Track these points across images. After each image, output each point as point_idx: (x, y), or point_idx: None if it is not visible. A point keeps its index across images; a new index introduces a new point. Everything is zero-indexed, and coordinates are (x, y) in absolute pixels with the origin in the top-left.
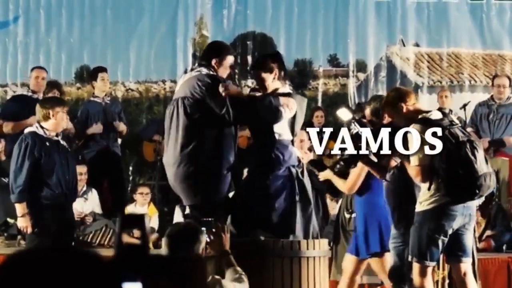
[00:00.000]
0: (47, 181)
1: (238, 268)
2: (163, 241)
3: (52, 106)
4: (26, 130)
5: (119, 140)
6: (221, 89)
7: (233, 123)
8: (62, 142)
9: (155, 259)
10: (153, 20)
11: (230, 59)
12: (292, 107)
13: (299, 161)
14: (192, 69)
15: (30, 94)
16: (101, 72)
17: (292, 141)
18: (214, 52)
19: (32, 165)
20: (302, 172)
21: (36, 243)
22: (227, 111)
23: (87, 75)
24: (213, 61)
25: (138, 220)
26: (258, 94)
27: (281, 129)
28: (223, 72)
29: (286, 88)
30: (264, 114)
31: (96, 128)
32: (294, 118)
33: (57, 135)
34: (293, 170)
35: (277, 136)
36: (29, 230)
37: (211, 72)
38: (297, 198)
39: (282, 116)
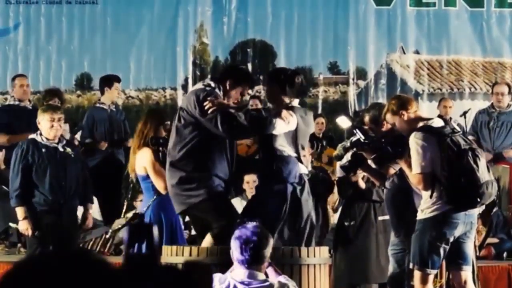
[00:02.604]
0: (39, 186)
1: (285, 276)
2: (231, 244)
3: (40, 113)
4: (29, 137)
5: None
6: (208, 102)
7: (224, 137)
8: (61, 149)
9: (163, 268)
10: (153, 27)
11: (243, 89)
12: (291, 121)
13: (301, 178)
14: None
15: (17, 103)
16: (117, 82)
17: (298, 157)
18: (235, 76)
19: (24, 169)
20: (302, 189)
21: (38, 250)
22: (216, 125)
23: (87, 82)
24: (228, 81)
25: (146, 230)
26: (257, 101)
27: (282, 145)
28: (234, 96)
29: (293, 103)
30: (252, 124)
31: (102, 145)
32: (296, 133)
33: (59, 142)
34: (290, 187)
35: (278, 152)
36: (30, 233)
37: (212, 87)
38: (285, 216)
39: (273, 127)
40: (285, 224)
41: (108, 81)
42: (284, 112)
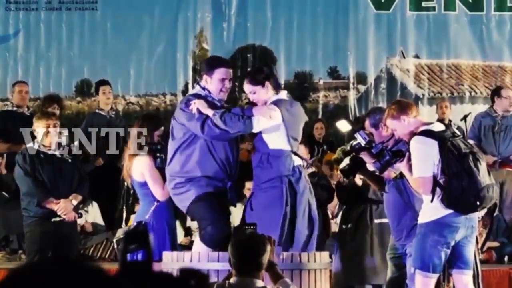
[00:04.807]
0: (36, 195)
1: (287, 280)
2: (229, 250)
3: (36, 121)
4: (27, 145)
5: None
6: (192, 106)
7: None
8: (58, 155)
9: (160, 276)
10: (153, 33)
11: (220, 72)
12: (273, 116)
13: (295, 169)
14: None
15: (15, 109)
16: (102, 85)
17: (292, 149)
18: (205, 67)
19: (30, 174)
20: (297, 180)
21: (37, 257)
22: (202, 129)
23: (87, 88)
24: (204, 77)
25: (142, 237)
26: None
27: (273, 139)
28: (215, 86)
29: (280, 95)
30: (229, 126)
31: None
32: (284, 126)
33: (56, 148)
34: (285, 179)
35: (269, 146)
36: (71, 215)
37: (199, 91)
38: (287, 209)
39: (250, 127)
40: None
41: (96, 87)
42: (264, 108)
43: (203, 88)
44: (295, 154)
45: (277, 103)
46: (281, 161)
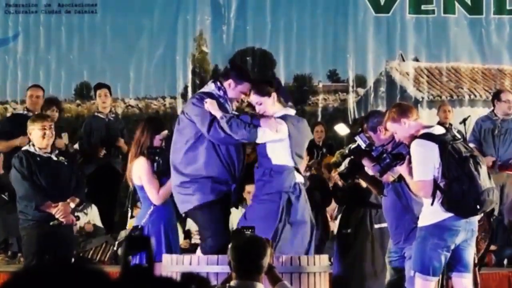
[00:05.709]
0: (34, 198)
1: (286, 283)
2: (229, 253)
3: (30, 123)
4: (23, 148)
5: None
6: (205, 104)
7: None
8: (54, 158)
9: (161, 280)
10: (153, 36)
11: (245, 87)
12: (280, 130)
13: (296, 186)
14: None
15: (25, 112)
16: (99, 89)
17: (295, 167)
18: (235, 74)
19: (27, 177)
20: (298, 197)
21: (35, 260)
22: (209, 130)
23: (87, 91)
24: (228, 81)
25: (144, 242)
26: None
27: (277, 154)
28: (234, 94)
29: (287, 111)
30: (233, 132)
31: (99, 151)
32: (289, 142)
33: (52, 151)
34: (285, 195)
35: (273, 161)
36: (69, 218)
37: (213, 90)
38: (279, 225)
39: (254, 136)
40: (283, 233)
41: (94, 91)
42: (272, 121)
43: (219, 88)
44: (297, 171)
45: (284, 118)
46: (283, 177)
